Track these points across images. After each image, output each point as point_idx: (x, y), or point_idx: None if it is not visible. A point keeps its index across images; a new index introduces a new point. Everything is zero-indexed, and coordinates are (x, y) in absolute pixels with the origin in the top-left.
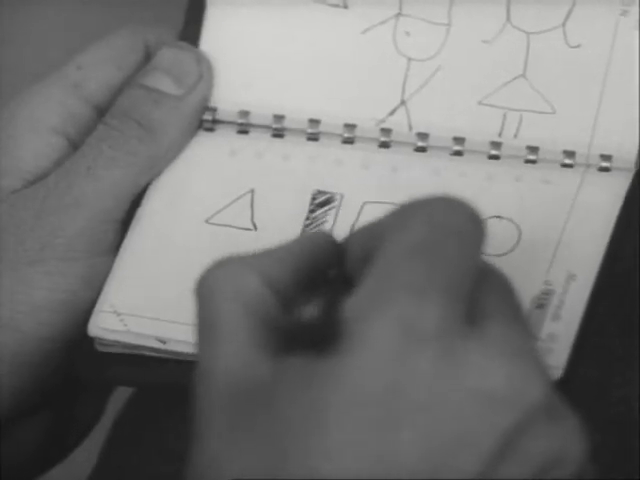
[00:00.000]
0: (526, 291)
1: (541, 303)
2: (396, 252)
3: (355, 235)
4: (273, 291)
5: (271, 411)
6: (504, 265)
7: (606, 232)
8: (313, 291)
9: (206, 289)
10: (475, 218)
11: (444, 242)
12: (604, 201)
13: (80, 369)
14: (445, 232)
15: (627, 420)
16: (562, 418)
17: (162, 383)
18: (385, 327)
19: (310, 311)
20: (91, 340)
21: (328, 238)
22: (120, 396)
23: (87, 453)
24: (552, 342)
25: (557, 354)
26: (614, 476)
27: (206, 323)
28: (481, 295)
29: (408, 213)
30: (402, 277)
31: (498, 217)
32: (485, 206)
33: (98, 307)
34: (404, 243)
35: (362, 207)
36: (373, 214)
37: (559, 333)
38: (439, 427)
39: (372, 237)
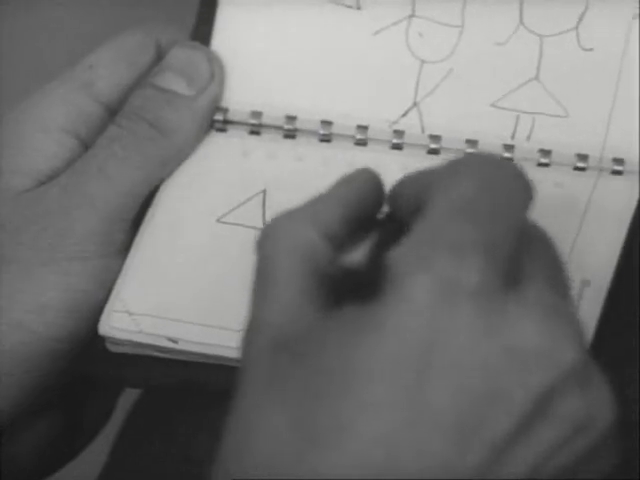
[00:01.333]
0: None
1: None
2: (443, 208)
3: (406, 181)
4: (327, 239)
5: (310, 362)
6: None
7: (619, 237)
8: (363, 233)
9: (264, 240)
10: (523, 179)
11: (491, 202)
12: (617, 205)
13: (90, 370)
14: (493, 192)
15: (628, 420)
16: (594, 383)
17: (171, 384)
18: (425, 283)
19: (359, 255)
20: (101, 340)
21: (375, 179)
22: (129, 397)
23: (96, 453)
24: None
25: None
26: (615, 476)
27: (262, 274)
28: (524, 256)
29: (459, 168)
30: (446, 235)
31: None
32: None
33: (109, 306)
34: (451, 200)
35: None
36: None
37: None
38: (472, 383)
39: (422, 186)
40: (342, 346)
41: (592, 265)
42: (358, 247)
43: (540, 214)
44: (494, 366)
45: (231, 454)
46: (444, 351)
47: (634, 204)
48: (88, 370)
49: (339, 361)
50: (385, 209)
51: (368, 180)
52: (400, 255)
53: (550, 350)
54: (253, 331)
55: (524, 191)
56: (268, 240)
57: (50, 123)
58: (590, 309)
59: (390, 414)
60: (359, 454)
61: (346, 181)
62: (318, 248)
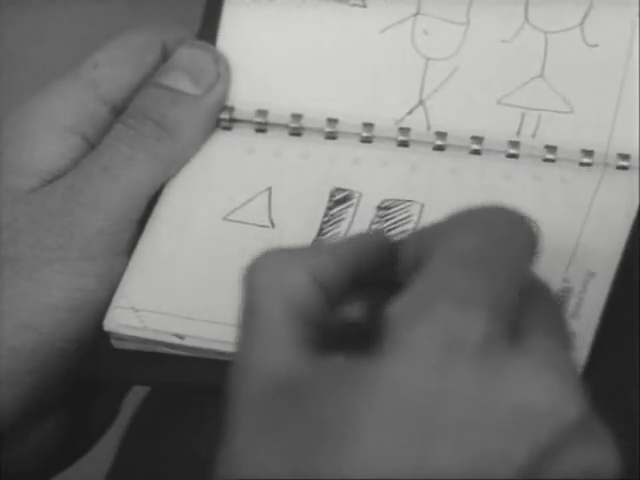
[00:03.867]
0: None
1: (560, 301)
2: (446, 260)
3: (409, 239)
4: (321, 289)
5: (305, 411)
6: None
7: (625, 230)
8: (362, 291)
9: (253, 281)
10: (530, 231)
11: (496, 254)
12: (622, 199)
13: (97, 368)
14: (498, 244)
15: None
16: (598, 437)
17: (178, 382)
18: (428, 336)
19: (356, 311)
20: (107, 339)
21: (385, 240)
22: (136, 395)
23: (103, 453)
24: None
25: (576, 352)
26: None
27: (250, 316)
28: (527, 308)
29: (463, 221)
30: (450, 286)
31: None
32: (503, 202)
33: (114, 303)
34: (455, 251)
35: (380, 204)
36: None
37: (579, 331)
38: (476, 441)
39: (425, 242)
40: (341, 397)
41: (597, 257)
42: (356, 303)
43: (546, 209)
44: (499, 423)
45: None
46: (448, 407)
47: (639, 198)
48: (94, 369)
49: (338, 412)
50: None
51: (376, 238)
52: (400, 306)
53: (554, 406)
54: (245, 373)
55: (529, 240)
56: (257, 276)
57: (55, 122)
58: (595, 300)
59: (391, 472)
60: None
61: (351, 238)
62: (310, 295)
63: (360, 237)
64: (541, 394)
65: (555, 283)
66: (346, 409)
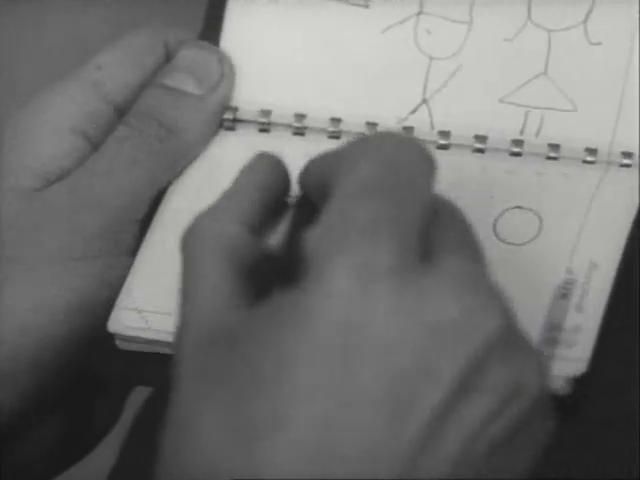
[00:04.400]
0: (549, 280)
1: (564, 293)
2: (349, 190)
3: (311, 165)
4: (248, 228)
5: (240, 356)
6: (525, 254)
7: (627, 221)
8: (277, 218)
9: (187, 239)
10: (424, 152)
11: (397, 179)
12: (625, 194)
13: (99, 369)
14: (396, 169)
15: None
16: (521, 350)
17: None
18: (342, 267)
19: (277, 239)
20: (110, 340)
21: (278, 162)
22: (138, 396)
23: (106, 453)
24: (576, 334)
25: (582, 346)
26: (615, 476)
27: (187, 273)
28: (436, 230)
29: (360, 149)
30: (356, 217)
31: (519, 207)
32: (506, 197)
33: (119, 304)
34: (356, 181)
35: None
36: None
37: (583, 325)
38: (399, 361)
39: (327, 169)
40: (269, 336)
41: (600, 248)
42: (274, 232)
43: (549, 201)
44: (419, 342)
45: (170, 455)
46: (368, 332)
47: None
48: (97, 370)
49: (267, 352)
50: (295, 193)
51: (272, 164)
52: (315, 238)
53: (472, 320)
54: (182, 331)
55: (427, 164)
56: (191, 239)
57: (58, 123)
58: (599, 292)
59: (322, 398)
60: (296, 442)
61: (250, 168)
62: (241, 241)
63: (256, 163)
64: (457, 310)
65: (559, 274)
66: (276, 348)
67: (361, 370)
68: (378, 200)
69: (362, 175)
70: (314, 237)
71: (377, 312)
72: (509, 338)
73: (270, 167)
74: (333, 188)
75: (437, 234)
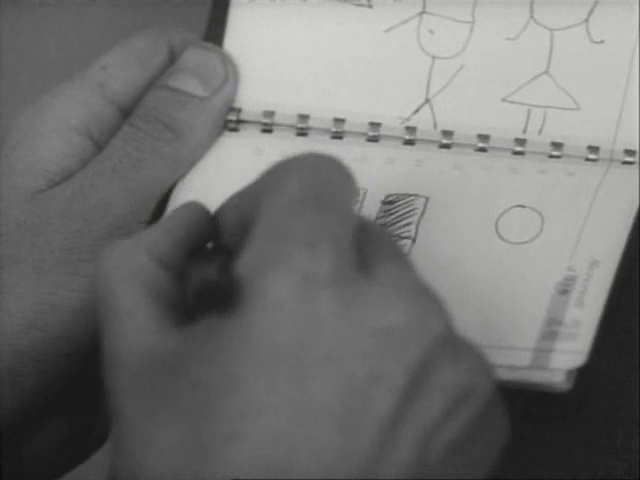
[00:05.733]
0: (550, 277)
1: (565, 289)
2: (278, 209)
3: (227, 204)
4: (163, 266)
5: (184, 379)
6: (527, 253)
7: (629, 219)
8: (198, 262)
9: (101, 271)
10: (343, 169)
11: (323, 193)
12: (627, 191)
13: (102, 370)
14: (321, 184)
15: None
16: (466, 352)
17: None
18: (282, 280)
19: (203, 275)
20: None
21: (202, 209)
22: None
23: (108, 454)
24: (576, 328)
25: (581, 340)
26: (615, 476)
27: (106, 307)
28: (364, 243)
29: (279, 171)
30: (290, 229)
31: (521, 206)
32: (508, 195)
33: None
34: (283, 198)
35: (385, 199)
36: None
37: (583, 319)
38: (348, 371)
39: (247, 203)
40: (211, 357)
41: (602, 246)
42: (202, 268)
43: (550, 199)
44: (366, 349)
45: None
46: (315, 344)
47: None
48: (100, 370)
49: (210, 370)
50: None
51: (194, 210)
52: (248, 261)
53: (416, 324)
54: (114, 363)
55: (348, 179)
56: (104, 270)
57: (63, 123)
58: (599, 288)
59: (274, 415)
60: (249, 457)
61: (173, 213)
62: (153, 271)
63: (180, 209)
64: (401, 315)
65: (560, 271)
66: (220, 369)
67: (310, 381)
68: (309, 210)
69: (286, 191)
70: (247, 258)
71: (321, 321)
72: (454, 340)
73: (191, 213)
74: (257, 215)
75: (367, 246)
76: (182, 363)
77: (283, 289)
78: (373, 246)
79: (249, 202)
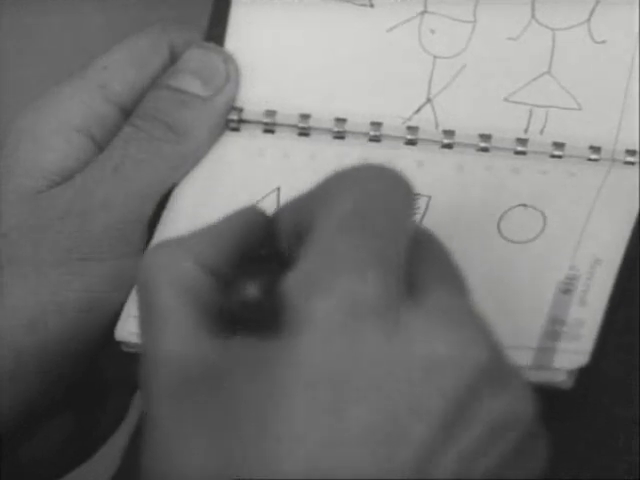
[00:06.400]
0: (552, 276)
1: (567, 288)
2: (329, 227)
3: (284, 210)
4: (206, 271)
5: (223, 396)
6: (529, 252)
7: (631, 218)
8: (249, 269)
9: (145, 276)
10: (402, 182)
11: (376, 212)
12: (629, 191)
13: (104, 370)
14: (376, 202)
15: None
16: (510, 381)
17: None
18: (330, 305)
19: (249, 289)
20: (116, 341)
21: (259, 214)
22: None
23: (110, 454)
24: (579, 327)
25: (584, 340)
26: (616, 476)
27: (148, 310)
28: (418, 262)
29: (336, 184)
30: (338, 254)
31: (523, 205)
32: (510, 195)
33: (126, 312)
34: (335, 217)
35: None
36: None
37: (586, 318)
38: (388, 399)
39: (302, 211)
40: (253, 376)
41: (604, 244)
42: (246, 281)
43: (553, 198)
44: (408, 378)
45: None
46: (356, 373)
47: None
48: (103, 371)
49: (251, 391)
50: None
51: (250, 214)
52: (296, 280)
53: (459, 355)
54: (151, 367)
55: (406, 194)
56: (148, 273)
57: (64, 123)
58: (602, 287)
59: (310, 438)
60: None
61: (226, 218)
62: (197, 277)
63: (236, 213)
64: (443, 344)
65: (562, 270)
66: (262, 390)
67: (349, 409)
68: (359, 234)
69: (340, 209)
70: (294, 279)
71: (365, 350)
72: (498, 370)
73: (247, 219)
74: (310, 229)
75: (420, 266)
76: (220, 376)
77: (328, 316)
78: (426, 266)
79: (305, 210)
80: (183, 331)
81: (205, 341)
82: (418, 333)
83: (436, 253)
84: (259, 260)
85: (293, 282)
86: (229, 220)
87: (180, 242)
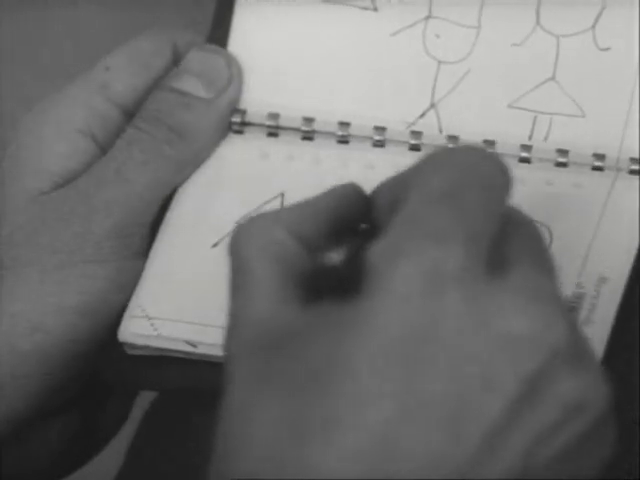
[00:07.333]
0: None
1: (573, 306)
2: (421, 199)
3: (382, 186)
4: (301, 243)
5: (298, 358)
6: None
7: (637, 234)
8: (343, 243)
9: (237, 242)
10: (500, 165)
11: (468, 189)
12: (634, 203)
13: (106, 372)
14: (470, 179)
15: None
16: (586, 364)
17: (187, 387)
18: (409, 271)
19: (336, 256)
20: (118, 343)
21: (357, 190)
22: (145, 398)
23: (112, 456)
24: None
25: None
26: (616, 476)
27: (237, 273)
28: (506, 242)
29: (433, 161)
30: (426, 223)
31: None
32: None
33: (129, 312)
34: (429, 190)
35: None
36: None
37: (592, 337)
38: (461, 372)
39: (399, 187)
40: (329, 341)
41: (610, 262)
42: (337, 250)
43: (559, 214)
44: (484, 353)
45: (226, 453)
46: (434, 340)
47: None
48: (105, 373)
49: (327, 356)
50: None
51: (348, 190)
52: (379, 248)
53: (538, 333)
54: (235, 328)
55: (502, 176)
56: (240, 239)
57: (67, 125)
58: (608, 306)
59: (382, 407)
60: (350, 447)
61: (325, 193)
62: (290, 248)
63: (335, 189)
64: (521, 323)
65: (568, 288)
66: (336, 353)
67: (424, 379)
68: (449, 205)
69: (434, 183)
70: (378, 247)
71: (445, 319)
72: (575, 353)
73: (346, 196)
74: (403, 203)
75: (510, 245)
76: (298, 340)
77: (407, 282)
78: (517, 245)
79: (401, 187)
80: (271, 297)
81: (291, 308)
82: (499, 308)
83: (528, 233)
84: (355, 234)
85: (376, 249)
86: (326, 195)
87: (275, 213)
